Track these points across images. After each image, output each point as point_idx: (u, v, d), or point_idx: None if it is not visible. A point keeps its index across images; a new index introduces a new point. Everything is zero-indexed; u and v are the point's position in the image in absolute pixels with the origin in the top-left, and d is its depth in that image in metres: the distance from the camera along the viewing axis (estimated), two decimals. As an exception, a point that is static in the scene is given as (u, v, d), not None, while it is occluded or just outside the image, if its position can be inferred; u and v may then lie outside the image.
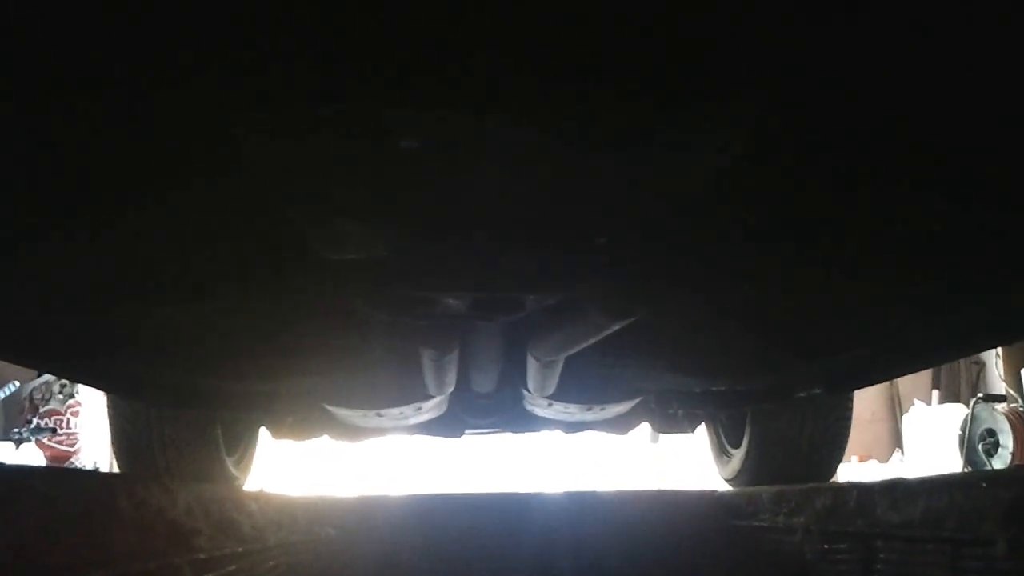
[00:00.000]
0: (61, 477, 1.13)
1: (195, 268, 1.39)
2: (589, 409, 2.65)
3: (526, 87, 0.78)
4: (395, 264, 1.25)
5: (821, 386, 2.31)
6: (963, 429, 6.32)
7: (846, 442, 2.93)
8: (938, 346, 1.88)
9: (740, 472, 3.09)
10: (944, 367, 7.69)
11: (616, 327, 1.51)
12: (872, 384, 2.34)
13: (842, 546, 1.69)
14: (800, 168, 1.06)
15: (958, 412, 6.72)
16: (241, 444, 3.12)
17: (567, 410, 2.63)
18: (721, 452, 3.35)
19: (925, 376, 7.67)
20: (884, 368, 2.13)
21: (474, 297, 1.40)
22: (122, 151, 0.99)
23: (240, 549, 1.49)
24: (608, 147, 0.89)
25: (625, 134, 0.86)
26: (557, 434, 3.34)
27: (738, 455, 3.11)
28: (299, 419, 2.71)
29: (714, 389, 2.51)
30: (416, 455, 6.04)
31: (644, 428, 3.30)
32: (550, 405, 2.56)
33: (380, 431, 2.97)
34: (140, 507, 1.16)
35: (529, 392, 2.40)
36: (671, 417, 2.87)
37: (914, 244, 1.31)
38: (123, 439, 2.72)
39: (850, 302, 1.62)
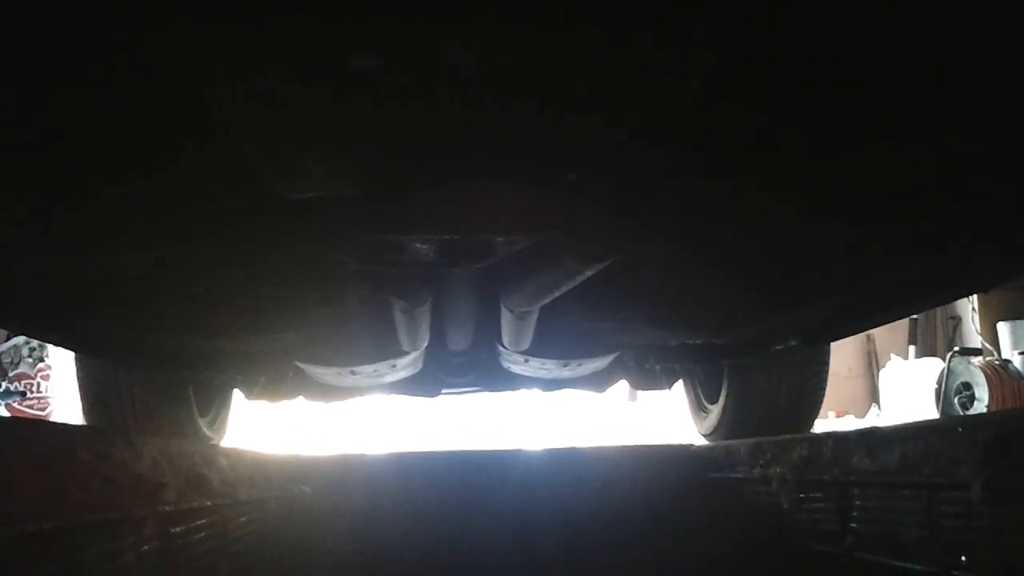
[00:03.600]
0: (18, 426, 1.10)
1: (158, 219, 1.35)
2: (566, 365, 2.64)
3: (485, 3, 0.74)
4: (359, 205, 1.21)
5: (797, 338, 2.30)
6: (939, 383, 6.40)
7: (822, 396, 2.94)
8: (912, 295, 1.87)
9: (717, 427, 3.10)
10: (921, 322, 7.78)
11: (589, 272, 1.48)
12: (848, 335, 2.34)
13: (818, 495, 1.71)
14: (773, 102, 1.03)
15: (934, 366, 6.82)
16: (214, 406, 3.09)
17: (544, 366, 2.62)
18: (699, 408, 3.36)
19: (902, 331, 7.75)
20: (859, 319, 2.12)
21: (442, 241, 1.36)
22: (81, 102, 0.96)
23: (208, 503, 1.48)
24: (573, 69, 0.85)
25: (588, 54, 0.82)
26: (535, 393, 3.33)
27: (715, 410, 3.12)
28: (272, 379, 2.68)
29: (691, 343, 2.50)
30: (395, 419, 6.04)
31: (622, 387, 3.31)
32: (526, 361, 2.54)
33: (356, 391, 2.94)
34: (102, 459, 1.14)
35: (505, 348, 2.38)
36: (648, 373, 2.87)
37: (888, 189, 1.29)
38: (93, 401, 2.68)
39: (825, 249, 1.60)
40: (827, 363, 2.89)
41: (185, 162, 1.18)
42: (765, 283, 1.82)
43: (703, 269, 1.71)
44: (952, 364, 6.40)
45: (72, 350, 2.52)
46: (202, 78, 0.86)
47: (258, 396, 2.85)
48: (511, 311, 1.95)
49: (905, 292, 1.87)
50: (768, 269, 1.72)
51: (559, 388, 3.16)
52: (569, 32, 0.79)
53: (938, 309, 7.68)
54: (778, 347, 2.39)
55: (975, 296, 7.16)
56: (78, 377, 2.71)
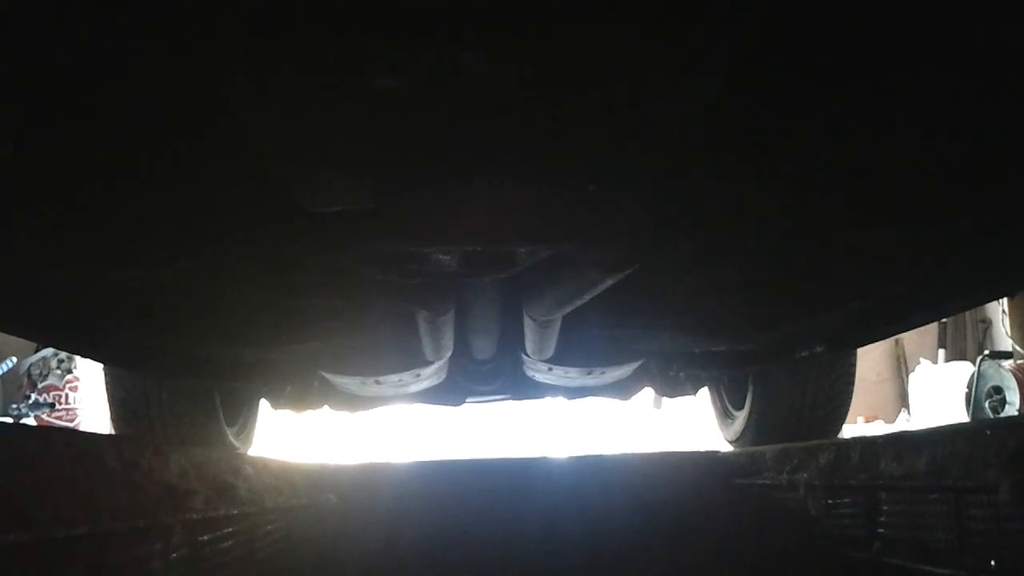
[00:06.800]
0: (48, 435, 1.12)
1: (186, 232, 1.37)
2: (589, 373, 2.64)
3: (502, 16, 0.75)
4: (382, 217, 1.23)
5: (822, 344, 2.29)
6: (969, 387, 6.29)
7: (849, 402, 2.91)
8: (938, 299, 1.86)
9: (743, 433, 3.09)
10: (950, 326, 7.67)
11: (610, 281, 1.49)
12: (874, 341, 2.32)
13: (846, 500, 1.70)
14: (792, 106, 1.03)
15: (964, 370, 6.69)
16: (241, 415, 3.12)
17: (567, 374, 2.62)
18: (724, 414, 3.35)
19: (931, 336, 7.65)
20: (885, 324, 2.11)
21: (464, 252, 1.37)
22: (112, 110, 0.98)
23: (235, 512, 1.49)
24: (590, 82, 0.86)
25: (602, 70, 0.83)
26: (560, 402, 3.33)
27: (741, 417, 3.11)
28: (298, 388, 2.70)
29: (714, 350, 2.49)
30: (419, 428, 6.05)
31: (647, 395, 3.30)
32: (550, 370, 2.54)
33: (380, 400, 2.96)
34: (130, 467, 1.15)
35: (528, 356, 2.39)
36: (673, 380, 2.86)
37: (912, 193, 1.28)
38: (122, 411, 2.71)
39: (849, 252, 1.59)
40: (854, 369, 2.87)
41: (213, 177, 1.19)
42: (788, 289, 1.81)
43: (724, 277, 1.71)
44: (982, 368, 6.30)
45: (101, 361, 2.55)
46: (230, 91, 0.88)
47: (284, 406, 2.87)
48: (534, 320, 1.96)
49: (931, 296, 1.85)
50: (790, 275, 1.71)
51: (583, 396, 3.16)
52: (582, 49, 0.80)
53: (968, 312, 7.57)
54: (803, 353, 2.38)
55: (1005, 299, 7.07)
56: (107, 388, 2.75)
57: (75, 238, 1.36)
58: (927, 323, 2.15)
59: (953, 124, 1.08)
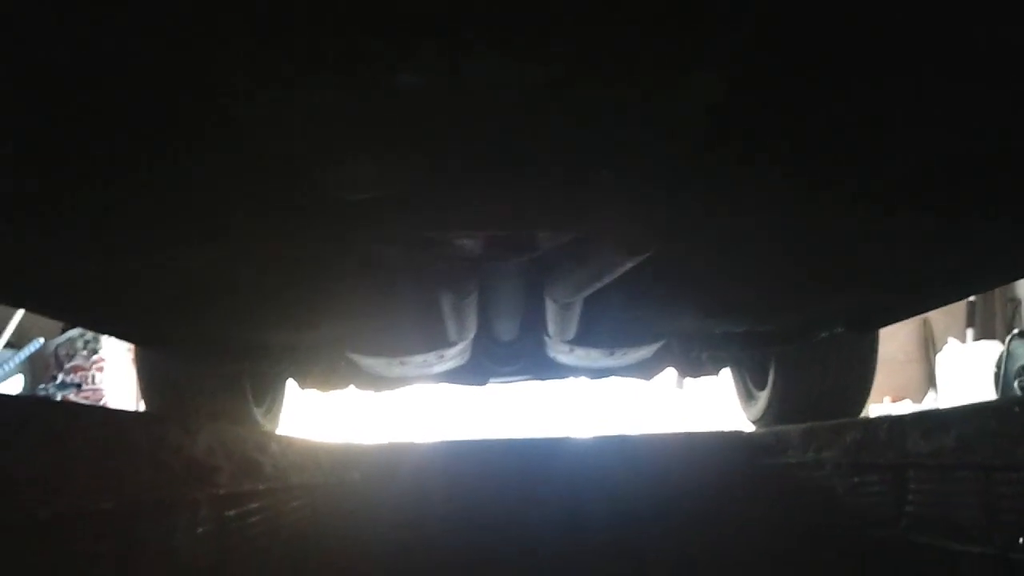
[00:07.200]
0: (75, 411, 1.16)
1: (214, 214, 1.40)
2: (611, 354, 2.66)
3: (503, 17, 0.78)
4: (409, 203, 1.26)
5: (843, 325, 2.29)
6: (998, 366, 6.21)
7: (871, 383, 2.92)
8: (961, 279, 1.86)
9: (765, 413, 3.10)
10: (979, 305, 7.57)
11: (630, 264, 1.51)
12: (895, 321, 2.32)
13: (873, 478, 1.69)
14: (802, 87, 1.04)
15: (993, 349, 6.60)
16: (269, 395, 3.17)
17: (589, 355, 2.64)
18: (746, 395, 3.36)
19: (959, 315, 7.56)
20: (906, 304, 2.11)
21: (487, 236, 1.40)
22: (143, 96, 1.00)
23: (261, 487, 1.53)
24: (593, 80, 0.88)
25: (605, 67, 0.86)
26: (582, 382, 3.36)
27: (763, 397, 3.12)
28: (324, 369, 2.74)
29: (735, 330, 2.50)
30: (444, 409, 6.11)
31: (669, 375, 3.31)
32: (572, 351, 2.57)
33: (405, 380, 3.00)
34: (157, 443, 1.19)
35: (550, 337, 2.41)
36: (695, 360, 2.87)
37: (933, 167, 1.28)
38: (151, 391, 2.77)
39: (865, 233, 1.60)
40: (876, 349, 2.87)
41: (240, 167, 1.22)
42: (806, 271, 1.82)
43: (741, 259, 1.72)
44: (1012, 346, 6.19)
45: (132, 342, 2.60)
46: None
47: (311, 385, 2.92)
48: (555, 302, 1.98)
49: (950, 276, 1.85)
50: (808, 257, 1.72)
51: (606, 376, 3.19)
52: (583, 49, 0.83)
53: (997, 292, 7.46)
54: (823, 334, 2.38)
55: (1036, 279, 6.99)
56: (137, 368, 2.81)
57: (104, 224, 1.40)
58: (949, 303, 2.14)
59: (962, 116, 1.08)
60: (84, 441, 1.00)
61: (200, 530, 1.29)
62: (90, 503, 0.98)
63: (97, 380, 6.41)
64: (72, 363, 6.44)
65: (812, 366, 2.82)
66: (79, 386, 6.29)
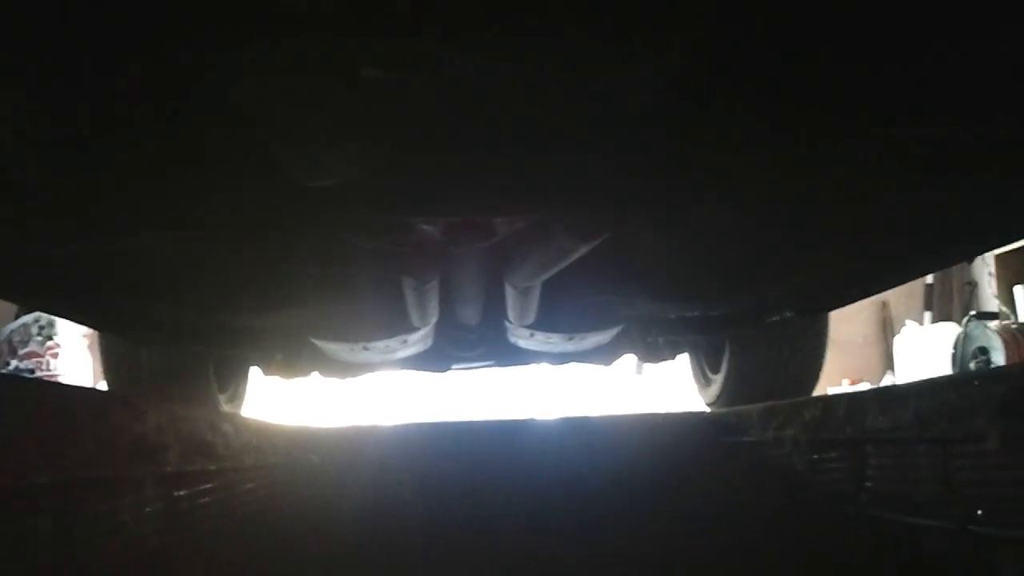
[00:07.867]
0: (17, 384, 1.15)
1: (176, 199, 1.43)
2: (571, 339, 2.72)
3: (473, 16, 0.83)
4: (369, 190, 1.30)
5: (791, 309, 2.37)
6: (955, 348, 6.35)
7: (822, 363, 3.01)
8: (906, 262, 1.91)
9: (720, 396, 3.19)
10: (937, 288, 7.70)
11: (584, 249, 1.57)
12: (841, 305, 2.40)
13: (832, 455, 1.72)
14: (754, 71, 1.08)
15: (950, 331, 6.76)
16: (232, 382, 3.19)
17: (549, 340, 2.70)
18: (702, 378, 3.44)
19: (917, 298, 7.70)
20: (852, 288, 2.18)
21: (447, 222, 1.45)
22: (108, 82, 1.03)
23: (213, 467, 1.51)
24: (547, 74, 0.94)
25: (558, 62, 0.92)
26: (544, 369, 3.41)
27: (718, 380, 3.20)
28: (288, 355, 2.77)
29: (690, 315, 2.57)
30: (408, 397, 6.14)
31: (629, 361, 3.38)
32: (532, 335, 2.62)
33: (368, 366, 3.04)
34: (99, 420, 1.15)
35: (511, 323, 2.47)
36: (652, 346, 2.94)
37: (878, 153, 1.32)
38: (115, 378, 2.78)
39: (812, 220, 1.66)
40: (826, 332, 2.96)
41: (206, 152, 1.26)
42: (754, 257, 1.89)
43: (694, 244, 1.78)
44: (968, 328, 6.35)
45: (95, 328, 2.61)
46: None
47: (275, 372, 2.94)
48: (514, 287, 2.03)
49: (897, 261, 1.92)
50: (755, 243, 1.78)
51: (567, 362, 3.24)
52: (542, 45, 0.88)
53: (954, 274, 7.60)
54: (774, 318, 2.46)
55: (992, 260, 7.11)
56: (101, 354, 2.81)
57: (68, 208, 1.41)
58: (897, 285, 2.20)
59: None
60: (19, 414, 0.98)
61: (147, 509, 1.26)
62: (25, 478, 0.96)
63: (52, 366, 6.31)
64: (26, 349, 6.33)
65: (764, 349, 2.90)
66: (33, 372, 6.19)
